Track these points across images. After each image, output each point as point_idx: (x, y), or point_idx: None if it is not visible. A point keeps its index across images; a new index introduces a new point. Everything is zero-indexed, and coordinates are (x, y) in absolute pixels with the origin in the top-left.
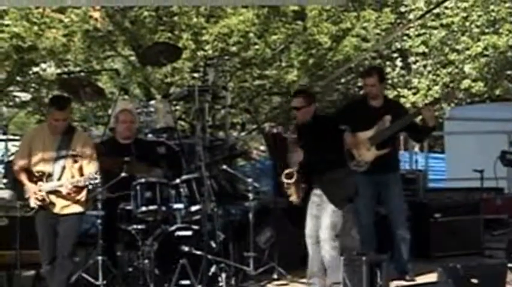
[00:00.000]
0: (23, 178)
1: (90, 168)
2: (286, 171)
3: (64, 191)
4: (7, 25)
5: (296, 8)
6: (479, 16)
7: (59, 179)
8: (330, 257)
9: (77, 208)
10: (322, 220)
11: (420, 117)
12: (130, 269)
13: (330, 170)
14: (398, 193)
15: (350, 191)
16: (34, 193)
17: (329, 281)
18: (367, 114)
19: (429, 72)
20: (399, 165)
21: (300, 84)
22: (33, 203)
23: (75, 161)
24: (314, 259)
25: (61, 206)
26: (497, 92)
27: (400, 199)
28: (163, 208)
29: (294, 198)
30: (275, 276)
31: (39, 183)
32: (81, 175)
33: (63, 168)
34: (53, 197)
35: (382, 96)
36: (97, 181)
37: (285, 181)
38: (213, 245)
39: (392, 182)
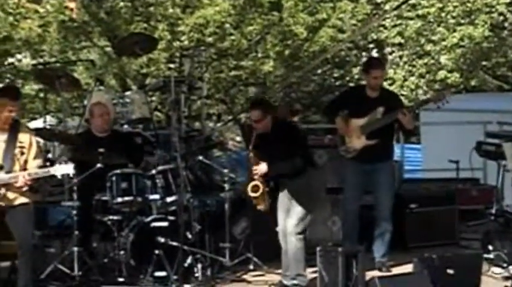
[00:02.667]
0: None
1: (36, 162)
2: (252, 184)
3: (20, 182)
4: None
5: None
6: (455, 7)
7: (10, 171)
8: (294, 249)
9: (24, 199)
10: (291, 212)
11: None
12: (106, 260)
13: (295, 176)
14: (387, 183)
15: (318, 193)
16: None
17: (293, 272)
18: (362, 103)
19: (405, 63)
20: (392, 155)
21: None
22: None
23: (22, 153)
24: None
25: (10, 198)
26: (473, 82)
27: (388, 190)
28: (139, 199)
29: (261, 207)
30: (251, 267)
31: None
32: (25, 168)
33: (13, 160)
34: (2, 190)
35: (380, 87)
36: (68, 172)
37: (252, 194)
38: (189, 236)
39: (382, 172)
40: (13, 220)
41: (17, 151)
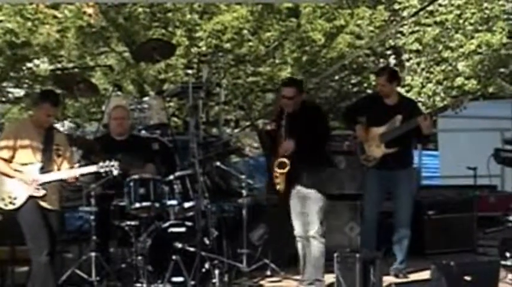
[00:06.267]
0: (8, 170)
1: (71, 164)
2: (280, 160)
3: (71, 176)
4: (0, 21)
5: (290, 5)
6: (473, 14)
7: (48, 170)
8: (318, 253)
9: (57, 208)
10: (310, 217)
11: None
12: (123, 266)
13: (313, 165)
14: (407, 190)
15: (327, 189)
16: (33, 181)
17: (312, 277)
18: (380, 111)
19: (423, 69)
20: (412, 162)
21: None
22: (32, 193)
23: (59, 155)
24: (305, 256)
25: (49, 202)
26: (491, 89)
27: (408, 197)
28: (157, 205)
29: (281, 187)
30: (268, 273)
31: (32, 173)
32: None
33: (51, 161)
34: (44, 190)
35: (396, 95)
36: (113, 167)
37: (278, 170)
38: (207, 241)
39: (402, 179)
40: (53, 224)
41: (54, 153)
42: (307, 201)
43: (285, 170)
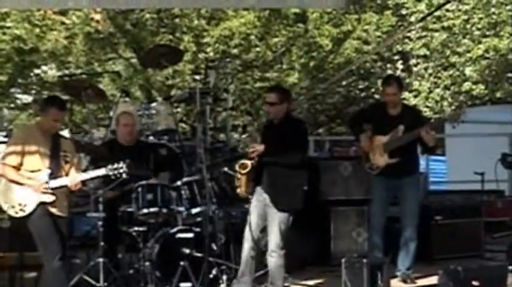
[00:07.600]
0: (17, 176)
1: (78, 169)
2: (242, 161)
3: (73, 184)
4: (9, 27)
5: (297, 10)
6: (481, 19)
7: (57, 177)
8: (275, 267)
9: (65, 214)
10: (269, 228)
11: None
12: (131, 271)
13: (283, 176)
14: (413, 195)
15: (296, 203)
16: (42, 187)
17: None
18: (384, 121)
19: (430, 74)
20: (417, 168)
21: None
22: (41, 198)
23: (66, 162)
24: (248, 259)
25: (59, 208)
26: (498, 94)
27: (414, 203)
28: (165, 210)
29: (241, 190)
30: None
31: (43, 180)
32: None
33: (59, 167)
34: (54, 196)
35: (400, 104)
36: (122, 169)
37: (238, 170)
38: (214, 247)
39: (408, 184)
40: (63, 230)
41: (61, 159)
42: (268, 209)
43: (245, 171)
